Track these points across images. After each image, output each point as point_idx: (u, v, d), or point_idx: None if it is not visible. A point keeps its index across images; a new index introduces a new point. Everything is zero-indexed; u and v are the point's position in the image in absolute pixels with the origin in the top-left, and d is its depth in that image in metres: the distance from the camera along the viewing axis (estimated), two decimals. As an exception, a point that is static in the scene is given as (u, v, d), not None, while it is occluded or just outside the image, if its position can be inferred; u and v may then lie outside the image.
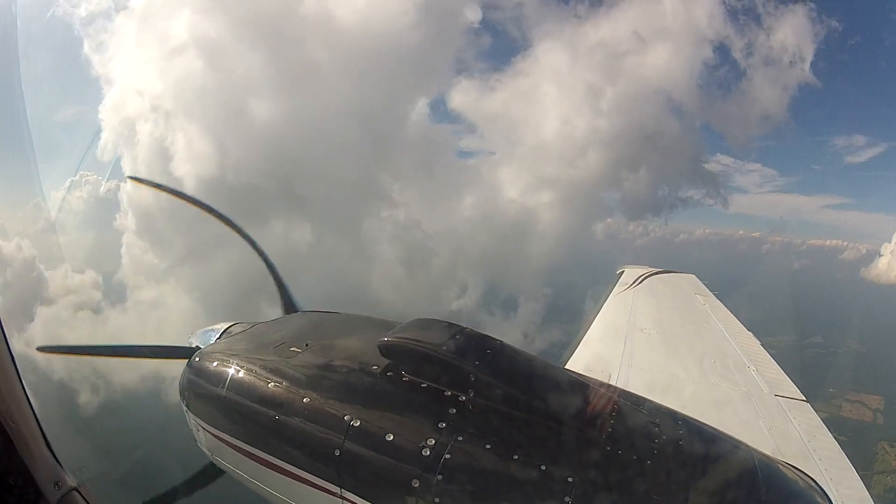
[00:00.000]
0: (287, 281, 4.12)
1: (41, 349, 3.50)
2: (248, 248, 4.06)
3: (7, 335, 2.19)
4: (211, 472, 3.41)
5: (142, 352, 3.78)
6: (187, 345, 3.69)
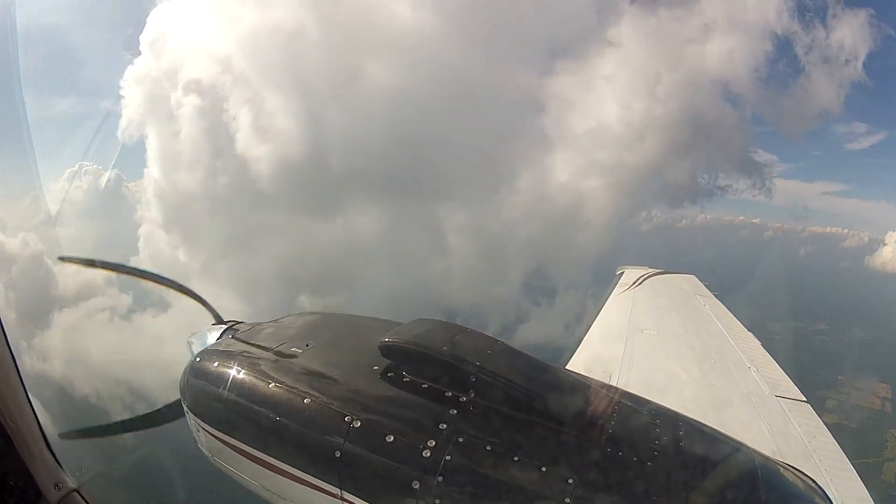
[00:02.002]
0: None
1: (62, 259, 3.50)
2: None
3: (7, 336, 2.19)
4: (171, 412, 3.46)
5: (172, 285, 3.71)
6: (188, 344, 3.71)
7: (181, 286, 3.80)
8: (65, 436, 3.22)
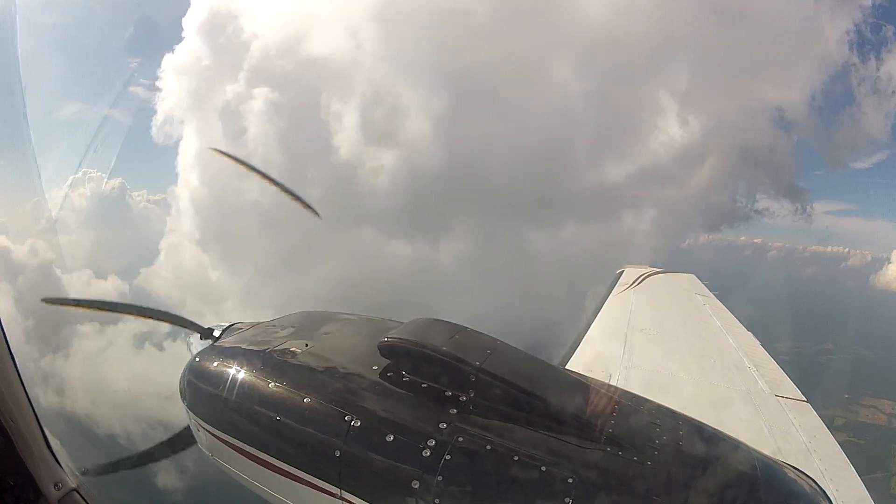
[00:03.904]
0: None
1: (45, 300, 3.48)
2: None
3: (7, 336, 2.19)
4: (182, 440, 3.45)
5: (153, 314, 3.68)
6: (188, 344, 3.71)
7: (156, 311, 3.72)
8: (86, 472, 3.17)
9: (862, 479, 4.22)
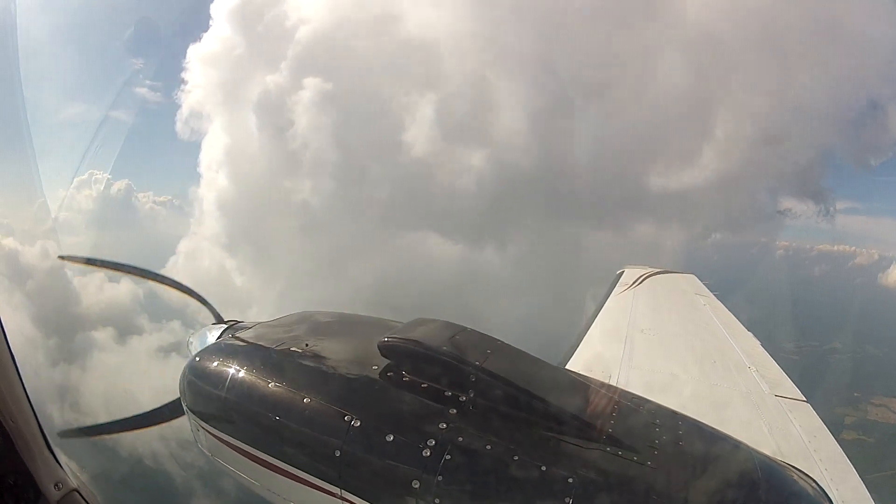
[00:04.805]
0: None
1: (62, 257, 3.55)
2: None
3: (7, 335, 2.20)
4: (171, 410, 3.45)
5: (172, 283, 3.75)
6: (188, 344, 3.72)
7: (180, 284, 3.84)
8: (64, 434, 3.20)
9: (870, 478, 4.20)
